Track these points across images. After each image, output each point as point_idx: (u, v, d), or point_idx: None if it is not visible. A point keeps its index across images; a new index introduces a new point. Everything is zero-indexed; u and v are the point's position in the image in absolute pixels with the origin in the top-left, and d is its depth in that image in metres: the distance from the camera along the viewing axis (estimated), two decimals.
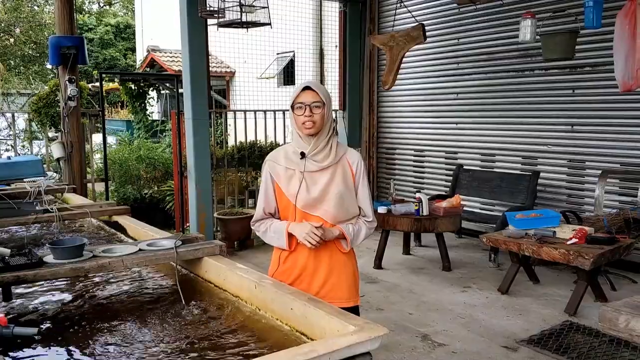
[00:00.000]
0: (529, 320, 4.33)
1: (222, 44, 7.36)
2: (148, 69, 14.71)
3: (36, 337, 1.90)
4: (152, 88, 13.48)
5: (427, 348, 3.83)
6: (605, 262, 4.46)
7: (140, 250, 2.48)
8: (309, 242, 2.29)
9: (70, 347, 1.90)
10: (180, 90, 7.10)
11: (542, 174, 6.06)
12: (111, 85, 16.53)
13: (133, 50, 22.82)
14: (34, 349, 1.87)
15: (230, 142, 8.21)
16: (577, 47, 5.14)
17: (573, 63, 5.67)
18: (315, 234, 2.29)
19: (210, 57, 6.74)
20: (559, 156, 6.04)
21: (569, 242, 4.41)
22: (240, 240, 6.63)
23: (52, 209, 3.62)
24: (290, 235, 2.38)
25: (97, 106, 9.21)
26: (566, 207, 5.79)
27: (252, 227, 2.51)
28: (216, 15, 5.37)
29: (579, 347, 3.79)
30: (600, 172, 5.48)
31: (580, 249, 4.26)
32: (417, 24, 5.94)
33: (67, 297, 2.41)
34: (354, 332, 1.65)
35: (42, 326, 2.05)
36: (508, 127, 6.49)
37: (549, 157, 6.13)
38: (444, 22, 7.06)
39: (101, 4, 28.71)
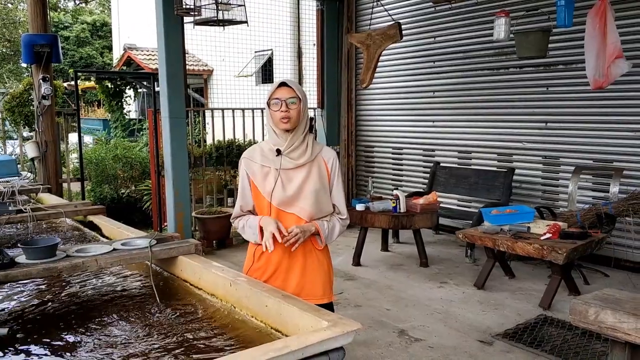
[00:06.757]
0: (504, 314, 4.40)
1: (200, 42, 7.32)
2: (125, 67, 14.56)
3: (6, 336, 1.88)
4: (129, 86, 13.34)
5: (404, 343, 3.87)
6: (578, 257, 4.54)
7: (114, 249, 2.47)
8: (266, 245, 2.27)
9: (42, 347, 1.88)
10: (157, 89, 7.04)
11: (517, 171, 6.15)
12: (87, 83, 16.31)
13: (109, 48, 22.55)
14: (5, 349, 1.85)
15: (209, 140, 8.17)
16: (550, 45, 5.23)
17: (546, 61, 5.77)
18: (271, 240, 2.26)
19: (187, 55, 6.70)
20: (533, 153, 6.13)
21: (543, 238, 4.49)
22: (219, 239, 6.60)
23: (25, 209, 3.59)
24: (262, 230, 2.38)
25: (73, 105, 9.09)
26: (541, 203, 5.89)
27: (232, 223, 2.52)
28: (192, 13, 5.34)
29: (553, 340, 3.86)
30: (573, 168, 5.60)
31: (554, 244, 4.33)
32: (393, 22, 5.99)
33: (39, 297, 2.38)
34: (327, 327, 1.67)
35: (13, 326, 2.02)
36: (484, 125, 6.57)
37: (524, 153, 6.22)
38: (420, 20, 7.11)
39: (77, 2, 28.31)
